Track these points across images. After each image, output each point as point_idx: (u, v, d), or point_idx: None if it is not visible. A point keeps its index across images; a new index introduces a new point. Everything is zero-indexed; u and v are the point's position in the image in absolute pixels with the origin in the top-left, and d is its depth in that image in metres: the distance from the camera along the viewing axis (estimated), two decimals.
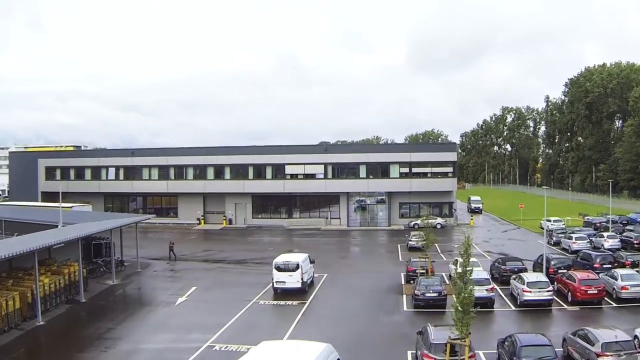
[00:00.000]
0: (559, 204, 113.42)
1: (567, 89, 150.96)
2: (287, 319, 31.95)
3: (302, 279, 38.08)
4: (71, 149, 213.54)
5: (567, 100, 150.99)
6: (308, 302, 35.82)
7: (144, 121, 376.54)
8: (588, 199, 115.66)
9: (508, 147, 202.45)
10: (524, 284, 32.65)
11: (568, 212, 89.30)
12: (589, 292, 32.27)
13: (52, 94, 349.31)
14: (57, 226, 44.42)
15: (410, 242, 57.42)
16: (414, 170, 77.93)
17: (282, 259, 39.20)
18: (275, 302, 36.05)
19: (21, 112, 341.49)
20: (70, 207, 58.04)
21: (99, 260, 45.53)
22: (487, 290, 32.78)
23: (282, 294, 37.89)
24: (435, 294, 32.97)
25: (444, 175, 77.85)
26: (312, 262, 42.03)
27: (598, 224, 65.97)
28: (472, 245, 58.02)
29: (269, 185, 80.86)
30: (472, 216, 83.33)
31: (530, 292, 32.20)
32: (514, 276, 35.98)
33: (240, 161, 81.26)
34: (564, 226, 66.13)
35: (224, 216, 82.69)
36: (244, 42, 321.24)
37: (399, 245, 59.89)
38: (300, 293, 37.76)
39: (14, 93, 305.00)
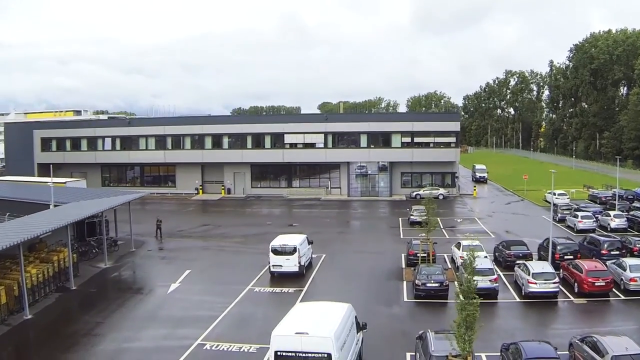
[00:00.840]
0: (563, 172, 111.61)
1: (571, 55, 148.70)
2: (282, 309, 30.24)
3: (299, 262, 36.97)
4: (71, 114, 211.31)
5: (571, 66, 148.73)
6: (305, 289, 34.65)
7: (146, 83, 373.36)
8: (592, 167, 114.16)
9: (511, 110, 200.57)
10: (529, 275, 31.37)
11: (572, 183, 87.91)
12: (596, 284, 30.97)
13: (54, 58, 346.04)
14: (49, 206, 43.15)
15: (411, 217, 56.18)
16: (416, 140, 76.32)
17: (279, 241, 37.93)
18: (271, 290, 34.89)
19: (22, 76, 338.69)
20: (64, 182, 56.57)
21: (91, 241, 44.33)
22: (490, 281, 31.55)
23: (279, 278, 36.82)
24: (436, 284, 31.72)
25: (447, 145, 76.12)
26: (310, 242, 40.84)
27: (603, 198, 64.58)
28: (475, 219, 57.30)
29: (268, 155, 79.36)
30: (475, 186, 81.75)
31: (535, 283, 30.93)
32: (518, 263, 34.75)
33: (239, 130, 79.68)
34: (568, 200, 64.64)
35: (223, 186, 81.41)
36: (247, 3, 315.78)
37: (400, 220, 58.68)
38: (297, 277, 36.71)
39: (15, 57, 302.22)
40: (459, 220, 58.57)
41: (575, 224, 50.08)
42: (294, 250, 36.90)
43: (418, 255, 37.59)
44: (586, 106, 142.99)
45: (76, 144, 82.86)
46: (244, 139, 79.72)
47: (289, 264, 36.85)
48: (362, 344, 23.97)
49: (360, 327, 23.98)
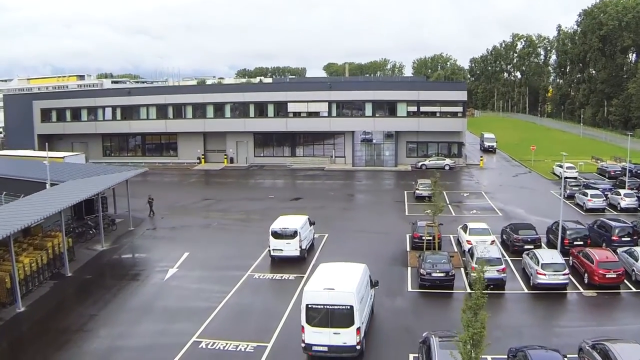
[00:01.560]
0: (570, 139, 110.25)
1: (580, 20, 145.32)
2: (282, 300, 29.86)
3: (300, 246, 35.96)
4: (74, 79, 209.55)
5: (579, 31, 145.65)
6: (306, 276, 33.55)
7: (151, 44, 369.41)
8: (600, 135, 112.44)
9: (518, 74, 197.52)
10: (538, 265, 30.22)
11: (580, 152, 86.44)
12: (607, 276, 29.80)
13: (59, 20, 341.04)
14: (45, 185, 42.09)
15: (417, 191, 54.95)
16: (422, 109, 74.56)
17: (279, 224, 36.81)
18: (271, 276, 33.90)
19: (27, 40, 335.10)
20: (63, 157, 55.32)
21: (89, 220, 43.37)
22: (498, 271, 30.41)
23: (279, 262, 35.88)
24: (442, 274, 30.64)
25: (454, 115, 74.44)
26: (312, 223, 39.78)
27: (612, 173, 63.12)
28: (482, 194, 56.03)
29: (271, 124, 77.87)
30: (481, 157, 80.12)
31: (544, 275, 29.80)
32: (527, 250, 33.61)
33: (241, 99, 77.98)
34: (577, 173, 63.17)
35: (225, 155, 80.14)
36: None
37: (405, 193, 57.46)
38: (298, 261, 35.75)
39: (20, 21, 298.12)
40: (465, 195, 57.30)
41: (584, 203, 48.73)
42: (295, 233, 35.83)
43: (423, 238, 36.45)
44: (594, 73, 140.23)
45: (76, 114, 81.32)
46: (246, 108, 78.09)
47: (290, 248, 35.84)
48: (374, 299, 27.82)
49: (373, 284, 27.71)
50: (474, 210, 50.08)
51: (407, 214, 49.58)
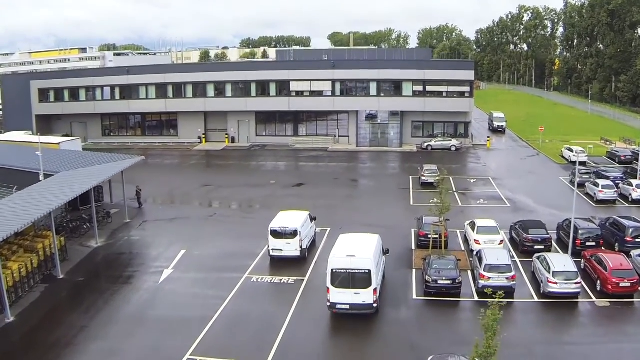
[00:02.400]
0: (578, 116, 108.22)
1: None
2: (281, 308, 28.62)
3: (300, 246, 34.57)
4: (76, 52, 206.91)
5: (587, 4, 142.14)
6: (306, 279, 32.37)
7: (156, 13, 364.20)
8: (608, 112, 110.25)
9: (524, 46, 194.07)
10: (549, 273, 28.77)
11: (588, 131, 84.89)
12: (621, 284, 28.38)
13: None
14: (38, 175, 40.69)
15: (422, 178, 53.45)
16: (428, 88, 72.40)
17: (278, 223, 35.32)
18: (270, 279, 32.56)
19: (30, 11, 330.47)
20: (58, 143, 53.69)
21: (83, 214, 42.01)
22: (507, 278, 29.05)
23: (279, 262, 34.57)
24: (448, 282, 29.23)
25: (461, 94, 72.35)
26: (313, 219, 38.39)
27: (623, 157, 61.39)
28: (489, 180, 54.44)
29: (273, 103, 76.01)
30: (489, 137, 78.14)
31: (556, 283, 28.39)
32: (538, 254, 32.13)
33: (243, 77, 75.98)
34: (586, 158, 61.50)
35: (226, 134, 78.46)
36: None
37: (410, 179, 55.85)
38: (298, 262, 34.44)
39: None
40: (472, 181, 55.66)
41: (595, 194, 47.02)
42: (295, 233, 34.41)
43: (429, 236, 35.03)
44: (602, 47, 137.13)
45: (74, 94, 79.34)
46: (247, 87, 76.15)
47: (290, 248, 34.48)
48: (385, 265, 31.46)
49: (384, 252, 31.75)
50: (481, 200, 48.57)
51: (412, 203, 48.14)
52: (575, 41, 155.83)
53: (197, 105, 76.93)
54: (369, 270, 26.77)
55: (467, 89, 71.98)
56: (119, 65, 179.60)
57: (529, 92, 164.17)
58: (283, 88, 75.62)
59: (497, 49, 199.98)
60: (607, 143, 74.17)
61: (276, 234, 34.68)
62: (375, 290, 26.90)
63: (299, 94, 75.29)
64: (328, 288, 27.14)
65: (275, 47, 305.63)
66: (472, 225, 36.70)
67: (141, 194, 47.68)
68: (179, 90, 76.99)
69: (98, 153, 49.66)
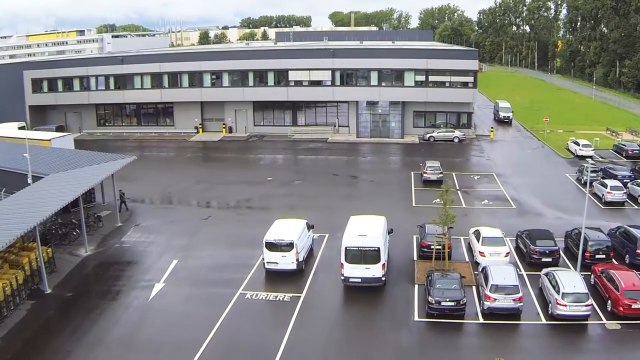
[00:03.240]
0: (582, 103, 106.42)
1: None
2: (277, 330, 27.29)
3: (297, 259, 33.04)
4: (73, 34, 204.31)
5: None
6: (303, 295, 30.93)
7: None
8: (612, 98, 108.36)
9: (527, 28, 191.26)
10: (558, 294, 27.30)
11: (593, 120, 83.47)
12: (633, 307, 26.94)
13: None
14: (26, 177, 39.21)
15: (424, 175, 51.96)
16: (431, 78, 70.54)
17: (273, 235, 33.65)
18: (265, 295, 31.03)
19: None
20: (49, 140, 51.93)
21: (72, 218, 40.45)
22: (514, 300, 27.63)
23: (274, 275, 33.12)
24: (452, 303, 27.74)
25: (464, 85, 70.48)
26: (310, 227, 36.91)
27: (630, 152, 59.84)
28: (493, 176, 52.89)
29: (271, 93, 74.23)
30: (492, 128, 76.25)
31: (565, 306, 26.95)
32: (546, 271, 30.60)
33: (240, 66, 74.00)
34: (593, 152, 60.00)
35: (224, 124, 76.76)
36: None
37: (412, 175, 54.31)
38: (295, 275, 33.01)
39: None
40: (476, 178, 54.07)
41: (603, 195, 45.43)
42: (291, 245, 32.86)
43: (432, 247, 33.53)
44: (606, 31, 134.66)
45: (68, 84, 77.30)
46: (245, 76, 74.21)
47: (286, 261, 32.97)
48: (389, 243, 34.45)
49: (389, 232, 34.86)
50: (486, 200, 47.01)
51: (414, 204, 46.59)
52: (579, 24, 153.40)
53: (193, 95, 75.10)
54: (378, 248, 30.50)
55: (470, 79, 70.03)
56: (117, 48, 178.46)
57: (532, 75, 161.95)
58: (281, 77, 73.71)
59: (499, 30, 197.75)
60: (613, 134, 72.53)
61: (271, 247, 33.15)
62: (383, 265, 30.73)
63: (298, 83, 73.41)
64: (342, 264, 30.83)
65: (276, 26, 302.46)
66: (477, 234, 35.17)
67: (124, 197, 45.56)
68: (175, 80, 75.10)
69: (89, 152, 47.86)
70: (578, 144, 61.91)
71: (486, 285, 28.33)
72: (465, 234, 37.71)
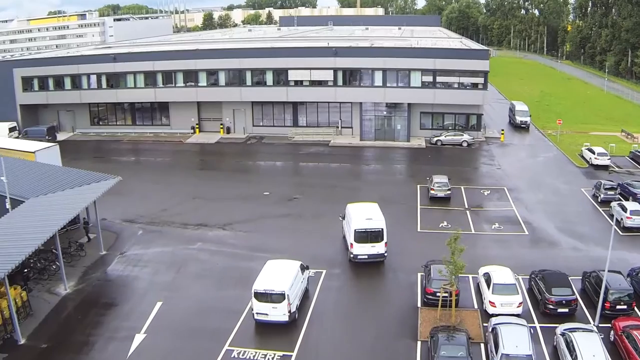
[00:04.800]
0: (594, 96, 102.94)
1: None
2: None
3: (289, 310, 30.09)
4: (75, 18, 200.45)
5: None
6: (294, 355, 28.15)
7: None
8: (624, 90, 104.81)
9: (536, 12, 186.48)
10: None
11: (607, 119, 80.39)
12: None
13: None
14: (4, 200, 36.48)
15: (431, 192, 48.99)
16: (439, 79, 67.07)
17: (263, 284, 30.44)
18: (254, 354, 28.22)
19: None
20: (34, 152, 48.91)
21: (53, 248, 37.51)
22: (526, 355, 24.85)
23: (265, 328, 30.29)
24: None
25: (474, 86, 67.07)
26: (305, 269, 34.04)
27: None
28: (504, 191, 49.86)
29: (270, 93, 71.11)
30: (502, 130, 72.82)
31: None
32: (562, 330, 27.65)
33: (237, 65, 70.69)
34: (609, 161, 57.12)
35: (221, 124, 73.75)
36: None
37: (417, 190, 51.26)
38: (286, 327, 30.17)
39: None
40: (486, 194, 50.99)
41: (622, 219, 42.30)
42: (282, 296, 29.83)
43: (438, 295, 30.70)
44: (618, 19, 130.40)
45: (59, 82, 74.11)
46: (242, 75, 70.93)
47: (277, 313, 30.01)
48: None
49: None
50: (496, 224, 43.90)
51: (419, 229, 43.48)
52: (590, 9, 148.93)
53: (188, 94, 72.01)
54: (382, 229, 36.08)
55: (481, 80, 66.49)
56: (119, 31, 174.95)
57: (541, 62, 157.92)
58: (280, 77, 70.42)
59: (508, 13, 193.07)
60: (629, 137, 69.29)
61: (261, 297, 30.21)
62: (386, 243, 36.27)
63: (298, 83, 70.19)
64: (351, 244, 36.10)
65: (281, 6, 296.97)
66: (488, 279, 32.20)
67: (89, 228, 42.49)
68: (169, 79, 71.96)
69: (73, 170, 44.67)
70: (593, 152, 58.73)
71: (496, 352, 25.51)
72: (473, 271, 34.61)
